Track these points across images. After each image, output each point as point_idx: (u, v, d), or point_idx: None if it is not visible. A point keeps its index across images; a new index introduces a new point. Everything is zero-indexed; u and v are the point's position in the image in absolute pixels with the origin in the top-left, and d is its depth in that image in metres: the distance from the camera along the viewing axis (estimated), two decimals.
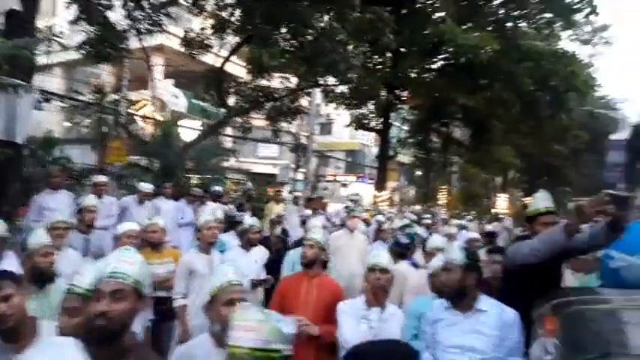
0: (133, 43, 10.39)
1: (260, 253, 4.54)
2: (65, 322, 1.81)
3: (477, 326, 2.23)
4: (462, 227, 9.68)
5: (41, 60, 6.40)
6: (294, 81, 12.15)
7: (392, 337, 1.89)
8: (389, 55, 15.77)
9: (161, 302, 3.75)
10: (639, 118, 22.06)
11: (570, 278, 4.44)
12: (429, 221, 10.47)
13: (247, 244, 4.46)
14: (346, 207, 10.88)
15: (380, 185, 16.85)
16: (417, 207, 16.78)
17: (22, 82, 4.76)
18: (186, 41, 10.83)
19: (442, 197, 22.78)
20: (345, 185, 24.86)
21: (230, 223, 5.36)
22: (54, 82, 14.38)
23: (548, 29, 17.01)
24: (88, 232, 4.44)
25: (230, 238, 4.82)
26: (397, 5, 14.68)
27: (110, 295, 1.43)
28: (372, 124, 17.90)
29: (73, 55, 10.46)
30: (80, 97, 10.67)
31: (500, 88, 16.05)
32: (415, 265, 4.42)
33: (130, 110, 12.00)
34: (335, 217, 9.92)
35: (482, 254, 4.70)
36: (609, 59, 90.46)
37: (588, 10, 15.76)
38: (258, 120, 12.45)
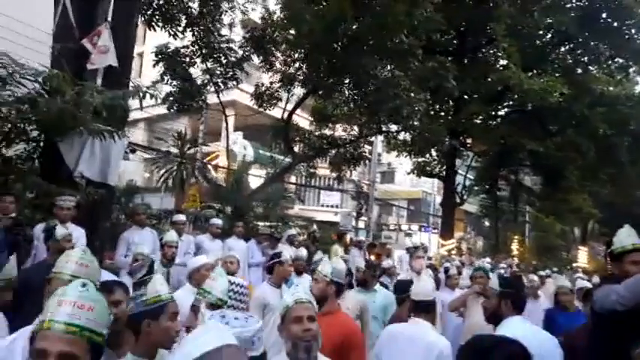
0: (210, 99, 11.29)
1: None
2: None
3: None
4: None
5: (132, 114, 7.07)
6: (356, 129, 12.48)
7: None
8: (451, 103, 15.82)
9: None
10: None
11: None
12: (502, 271, 10.05)
13: None
14: (407, 249, 10.75)
15: (446, 234, 16.29)
16: (487, 259, 15.94)
17: (116, 130, 5.20)
18: (257, 95, 11.56)
19: (514, 248, 21.43)
20: (409, 235, 24.30)
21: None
22: (137, 134, 15.80)
23: (622, 74, 16.47)
24: (169, 265, 4.68)
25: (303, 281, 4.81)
26: (458, 56, 14.93)
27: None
28: (436, 170, 17.67)
29: (156, 111, 11.56)
30: (163, 148, 11.63)
31: (573, 134, 15.46)
32: None
33: (205, 160, 12.84)
34: (400, 262, 9.82)
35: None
36: None
37: None
38: (321, 169, 12.86)
